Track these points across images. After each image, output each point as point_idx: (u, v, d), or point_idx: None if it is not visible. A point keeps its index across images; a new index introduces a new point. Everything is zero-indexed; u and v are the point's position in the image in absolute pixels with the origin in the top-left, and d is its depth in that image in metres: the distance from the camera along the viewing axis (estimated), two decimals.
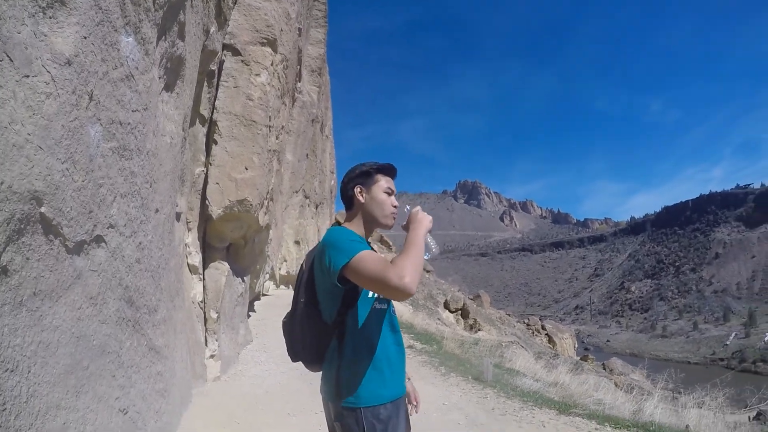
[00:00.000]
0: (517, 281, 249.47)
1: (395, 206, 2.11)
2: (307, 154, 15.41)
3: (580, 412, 6.20)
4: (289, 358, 2.18)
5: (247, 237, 7.17)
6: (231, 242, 6.98)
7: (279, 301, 13.10)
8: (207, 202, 6.10)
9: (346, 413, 1.86)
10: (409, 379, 2.21)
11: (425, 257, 2.08)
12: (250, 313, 10.11)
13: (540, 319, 33.59)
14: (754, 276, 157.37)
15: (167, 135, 3.60)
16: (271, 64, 6.83)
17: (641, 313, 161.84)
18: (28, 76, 1.77)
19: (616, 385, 13.72)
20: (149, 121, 2.98)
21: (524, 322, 31.69)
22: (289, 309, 2.19)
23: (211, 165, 6.16)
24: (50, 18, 1.91)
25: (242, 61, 6.51)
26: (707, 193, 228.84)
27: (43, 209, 1.88)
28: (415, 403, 2.27)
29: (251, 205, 6.40)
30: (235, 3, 6.53)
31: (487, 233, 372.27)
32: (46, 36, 1.89)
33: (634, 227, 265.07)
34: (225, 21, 6.18)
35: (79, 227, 2.15)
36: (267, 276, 12.68)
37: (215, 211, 6.14)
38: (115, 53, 2.45)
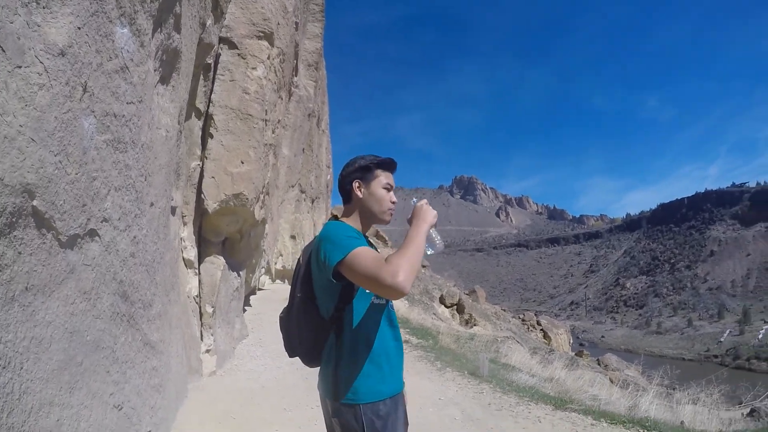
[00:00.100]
0: (512, 277, 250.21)
1: (393, 202, 2.08)
2: (303, 149, 15.37)
3: (576, 408, 6.21)
4: (285, 353, 2.16)
5: (243, 231, 7.14)
6: (227, 236, 6.95)
7: (275, 295, 13.07)
8: (202, 196, 6.07)
9: (345, 410, 1.84)
10: None
11: (429, 252, 2.05)
12: (246, 307, 10.09)
13: (535, 315, 33.71)
14: (749, 274, 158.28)
15: (162, 128, 3.56)
16: (268, 58, 6.79)
17: (636, 310, 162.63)
18: (20, 67, 1.73)
19: (611, 381, 13.77)
20: (144, 113, 2.94)
21: (519, 318, 31.78)
22: (285, 304, 2.16)
23: (206, 159, 6.12)
24: (44, 8, 1.87)
25: (239, 54, 6.46)
26: (703, 191, 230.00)
27: (35, 202, 1.84)
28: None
29: (247, 199, 6.36)
30: None
31: (483, 229, 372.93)
32: (39, 26, 1.85)
33: (630, 224, 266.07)
34: (221, 14, 6.13)
35: (72, 221, 2.12)
36: (263, 270, 12.66)
37: (211, 205, 6.10)
38: (109, 44, 2.41)
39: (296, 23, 9.54)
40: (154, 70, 3.30)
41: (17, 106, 1.71)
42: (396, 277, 1.60)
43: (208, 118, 6.16)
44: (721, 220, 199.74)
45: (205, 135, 6.15)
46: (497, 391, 6.86)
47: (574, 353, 24.76)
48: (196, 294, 5.97)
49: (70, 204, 2.08)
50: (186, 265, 5.83)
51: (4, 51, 1.64)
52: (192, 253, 5.93)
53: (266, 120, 6.75)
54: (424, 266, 33.43)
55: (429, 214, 1.94)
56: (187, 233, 5.82)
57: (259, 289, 13.43)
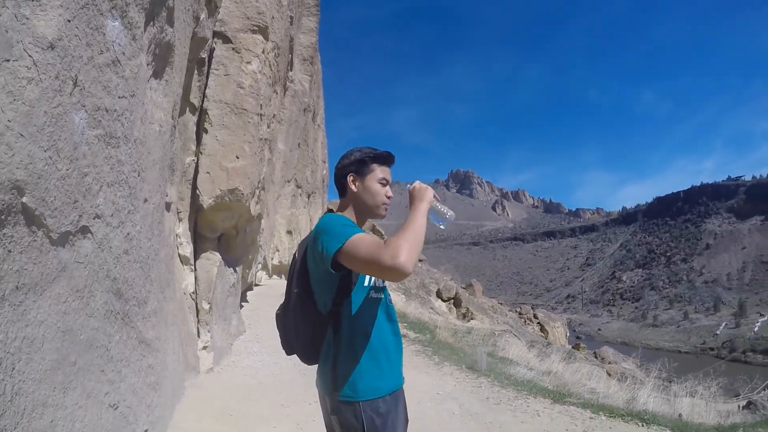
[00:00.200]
0: (509, 270, 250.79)
1: (389, 197, 2.04)
2: (299, 144, 15.31)
3: (575, 401, 6.21)
4: (283, 349, 2.13)
5: (239, 227, 7.09)
6: (222, 232, 6.90)
7: (272, 291, 13.04)
8: (198, 191, 6.02)
9: (344, 407, 1.80)
10: None
11: (442, 226, 2.01)
12: (243, 303, 10.05)
13: (532, 308, 33.82)
14: (745, 267, 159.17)
15: (156, 123, 3.51)
16: (263, 52, 6.73)
17: (632, 303, 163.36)
18: (8, 61, 1.69)
19: (608, 373, 13.82)
20: (137, 108, 2.89)
21: (516, 311, 31.86)
22: (282, 299, 2.12)
23: (201, 154, 6.07)
24: (32, 0, 1.83)
25: (233, 48, 6.40)
26: (699, 184, 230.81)
27: (25, 199, 1.80)
28: None
29: (242, 194, 6.32)
30: None
31: (480, 222, 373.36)
32: (27, 19, 1.80)
33: (626, 217, 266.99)
34: (215, 8, 6.06)
35: (63, 218, 2.08)
36: (259, 266, 12.62)
37: (206, 200, 6.06)
38: (100, 37, 2.36)
39: (291, 17, 9.47)
40: (147, 64, 3.25)
41: (5, 101, 1.67)
42: (397, 258, 1.56)
43: (202, 113, 6.10)
44: (717, 214, 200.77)
45: (200, 130, 6.10)
46: (495, 385, 6.86)
47: (571, 346, 24.84)
48: (192, 290, 5.93)
49: (61, 200, 2.04)
50: (182, 262, 5.78)
51: None
52: (188, 250, 5.89)
53: (261, 114, 6.69)
54: (420, 260, 33.46)
55: (425, 192, 1.92)
56: (183, 229, 5.78)
57: (256, 285, 13.39)
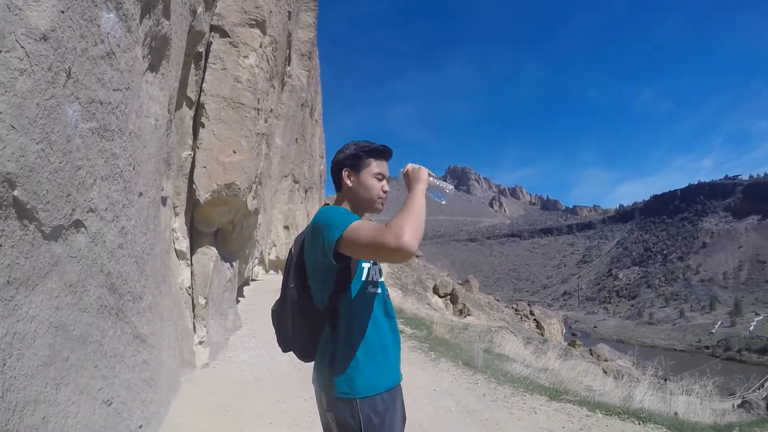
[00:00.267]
0: (505, 267, 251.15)
1: (385, 191, 2.01)
2: (296, 139, 15.27)
3: (571, 399, 6.21)
4: (278, 346, 2.10)
5: (236, 222, 7.06)
6: (219, 227, 6.87)
7: (268, 286, 13.02)
8: (194, 186, 5.98)
9: (341, 404, 1.77)
10: None
11: (443, 202, 1.99)
12: (240, 298, 10.04)
13: (528, 305, 33.85)
14: (741, 266, 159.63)
15: (152, 116, 3.47)
16: (260, 46, 6.68)
17: (628, 300, 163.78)
18: (0, 52, 1.66)
19: (604, 371, 13.83)
20: (132, 101, 2.85)
21: (513, 308, 31.88)
22: (278, 295, 2.09)
23: (198, 148, 6.03)
24: None
25: (230, 42, 6.35)
26: (696, 183, 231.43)
27: (16, 192, 1.77)
28: None
29: (239, 189, 6.28)
30: None
31: (477, 219, 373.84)
32: (20, 9, 1.77)
33: (623, 215, 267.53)
34: (213, 1, 6.02)
35: (56, 211, 2.04)
36: (256, 261, 12.60)
37: (202, 195, 6.02)
38: (95, 29, 2.32)
39: (289, 12, 9.42)
40: (143, 57, 3.22)
41: None
42: (400, 238, 1.54)
43: (199, 108, 6.06)
44: (714, 212, 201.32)
45: (197, 124, 6.06)
46: (492, 382, 6.85)
47: (566, 343, 24.88)
48: (188, 285, 5.90)
49: (53, 194, 2.01)
50: (178, 257, 5.75)
51: None
52: (184, 244, 5.85)
53: (258, 109, 6.65)
54: (417, 256, 33.46)
55: (419, 172, 1.90)
56: (179, 224, 5.74)
57: (253, 280, 13.38)
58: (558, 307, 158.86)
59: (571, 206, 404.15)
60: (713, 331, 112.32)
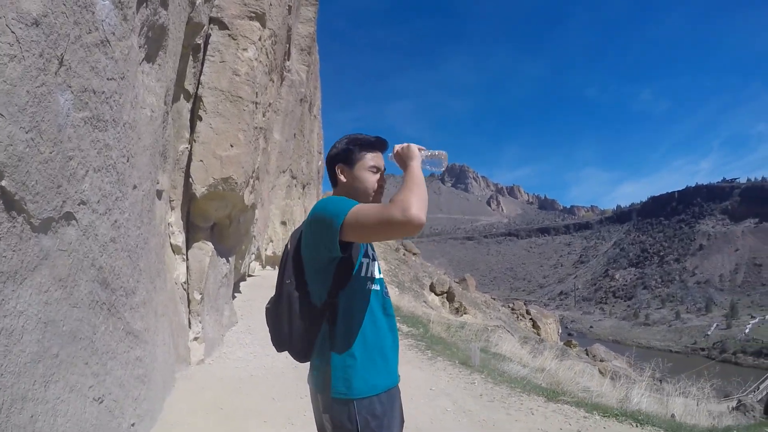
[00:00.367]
0: (502, 266, 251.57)
1: (381, 185, 1.96)
2: (294, 134, 15.20)
3: (568, 400, 6.16)
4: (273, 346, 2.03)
5: (232, 216, 7.00)
6: (215, 222, 6.80)
7: (265, 282, 12.96)
8: (191, 180, 5.91)
9: (337, 406, 1.71)
10: None
11: (440, 171, 1.95)
12: (236, 294, 9.97)
13: (525, 304, 33.80)
14: (737, 269, 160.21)
15: (147, 107, 3.40)
16: (259, 39, 6.61)
17: (624, 301, 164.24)
18: None
19: (600, 372, 13.81)
20: (127, 91, 2.78)
21: (509, 307, 31.85)
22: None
23: (195, 142, 5.96)
24: None
25: (229, 35, 6.28)
26: (694, 185, 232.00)
27: (4, 183, 1.71)
28: None
29: (236, 183, 6.21)
30: None
31: (474, 217, 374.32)
32: None
33: (620, 216, 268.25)
34: None
35: (45, 203, 1.98)
36: (253, 257, 12.53)
37: (199, 189, 5.95)
38: (89, 16, 2.26)
39: (289, 6, 9.34)
40: (139, 47, 3.15)
41: None
42: (408, 210, 1.52)
43: (197, 100, 5.99)
44: (711, 215, 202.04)
45: (194, 117, 5.99)
46: (489, 382, 6.80)
47: (562, 343, 24.87)
48: (184, 280, 5.84)
49: (43, 185, 1.94)
50: (173, 251, 5.69)
51: None
52: (180, 239, 5.78)
53: (257, 103, 6.58)
54: (414, 254, 33.43)
55: (409, 150, 1.87)
56: (175, 218, 5.67)
57: (249, 276, 13.32)
58: (554, 306, 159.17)
59: (568, 206, 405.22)
60: (709, 333, 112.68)
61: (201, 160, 5.96)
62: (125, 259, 2.96)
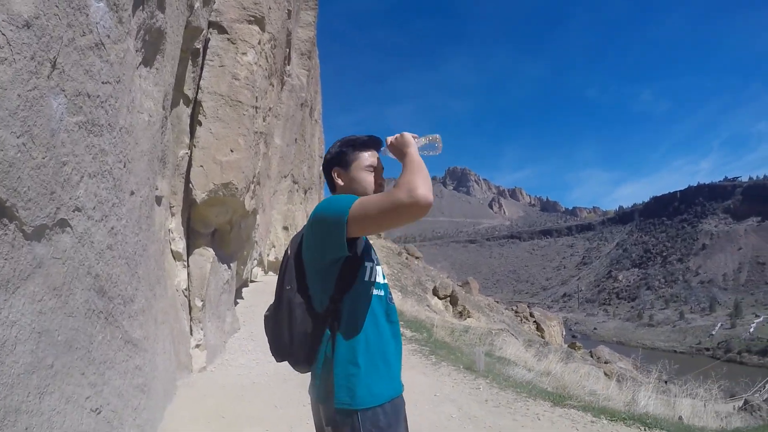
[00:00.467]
0: (505, 268, 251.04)
1: (380, 184, 1.91)
2: (296, 139, 15.17)
3: (575, 404, 6.08)
4: (273, 356, 1.96)
5: (233, 222, 6.95)
6: (216, 227, 6.75)
7: (267, 287, 12.89)
8: (191, 185, 5.87)
9: (340, 417, 1.65)
10: None
11: (438, 153, 1.94)
12: (238, 300, 9.91)
13: (528, 307, 33.68)
14: (741, 268, 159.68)
15: (145, 112, 3.35)
16: (259, 43, 6.58)
17: (628, 302, 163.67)
18: None
19: (605, 374, 13.71)
20: (122, 95, 2.73)
21: (512, 310, 31.75)
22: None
23: (195, 147, 5.92)
24: None
25: (228, 39, 6.25)
26: (695, 184, 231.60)
27: None
28: None
29: (237, 188, 6.17)
30: None
31: (476, 220, 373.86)
32: None
33: (623, 216, 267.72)
34: None
35: (39, 210, 1.92)
36: (255, 262, 12.48)
37: (199, 195, 5.90)
38: (83, 18, 2.21)
39: (289, 10, 9.32)
40: (136, 51, 3.10)
41: None
42: (414, 191, 1.50)
43: (196, 105, 5.95)
44: (713, 214, 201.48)
45: (194, 122, 5.95)
46: (494, 387, 6.72)
47: (567, 345, 24.76)
48: (184, 287, 5.79)
49: (35, 191, 1.89)
50: (174, 258, 5.64)
51: None
52: (180, 245, 5.74)
53: (257, 107, 6.54)
54: (417, 257, 33.36)
55: (403, 138, 1.83)
56: (175, 224, 5.63)
57: (252, 281, 13.26)
58: (558, 308, 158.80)
59: (570, 208, 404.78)
60: (713, 332, 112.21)
61: (201, 166, 5.92)
62: (123, 267, 2.90)
